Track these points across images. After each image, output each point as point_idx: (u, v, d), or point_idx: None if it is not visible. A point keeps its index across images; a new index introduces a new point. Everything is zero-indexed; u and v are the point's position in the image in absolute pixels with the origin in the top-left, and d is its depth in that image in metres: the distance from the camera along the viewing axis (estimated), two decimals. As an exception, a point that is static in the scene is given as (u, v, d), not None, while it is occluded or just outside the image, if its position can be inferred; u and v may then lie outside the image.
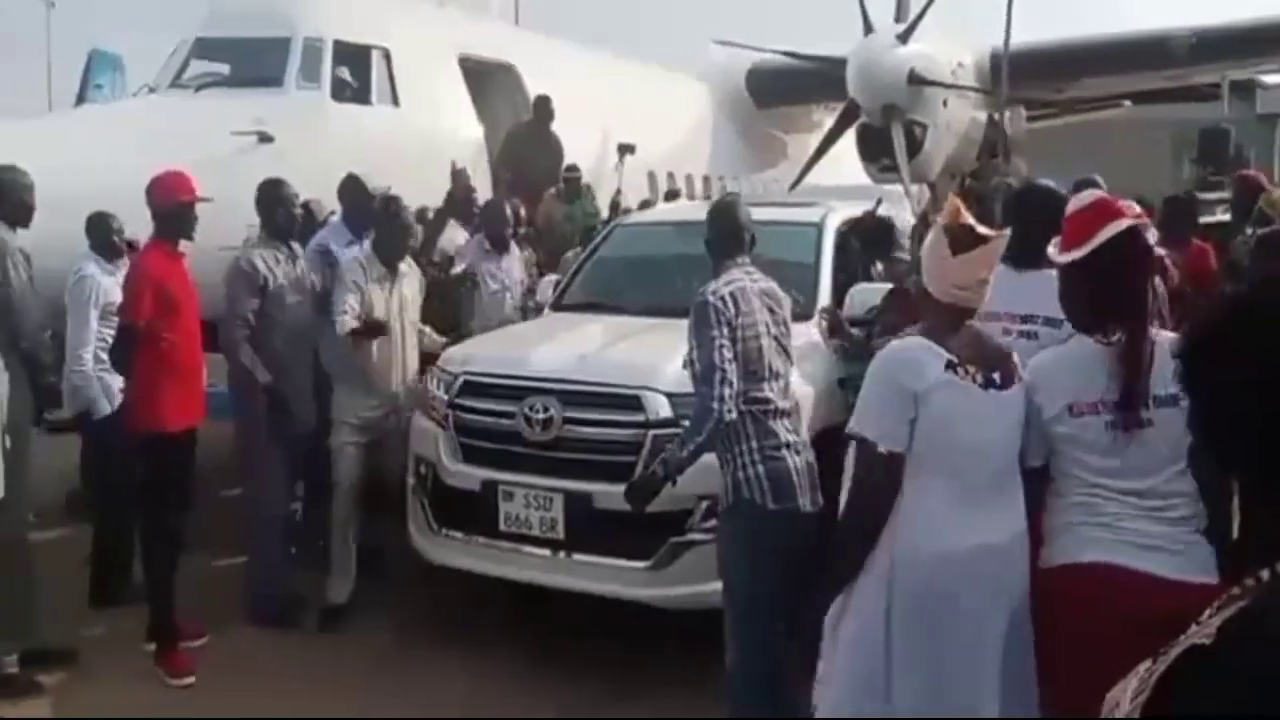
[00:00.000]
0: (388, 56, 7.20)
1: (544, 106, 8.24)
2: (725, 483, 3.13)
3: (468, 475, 4.13)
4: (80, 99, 11.21)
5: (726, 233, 3.38)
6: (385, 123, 7.03)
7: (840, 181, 10.41)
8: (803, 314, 4.47)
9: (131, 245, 4.72)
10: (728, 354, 3.06)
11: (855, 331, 4.24)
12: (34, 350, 3.83)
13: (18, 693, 3.79)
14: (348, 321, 4.48)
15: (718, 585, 3.23)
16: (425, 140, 7.05)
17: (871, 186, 9.26)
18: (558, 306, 5.21)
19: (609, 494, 3.66)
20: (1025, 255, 2.86)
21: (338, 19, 7.03)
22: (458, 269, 5.63)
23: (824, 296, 4.71)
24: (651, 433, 3.75)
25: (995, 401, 2.34)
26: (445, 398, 4.25)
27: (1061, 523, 2.33)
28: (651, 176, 9.97)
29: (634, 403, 3.84)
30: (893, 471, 2.30)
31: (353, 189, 5.25)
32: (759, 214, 4.21)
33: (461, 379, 4.24)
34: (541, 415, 3.94)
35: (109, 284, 4.63)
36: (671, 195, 9.39)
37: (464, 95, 7.98)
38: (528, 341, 4.63)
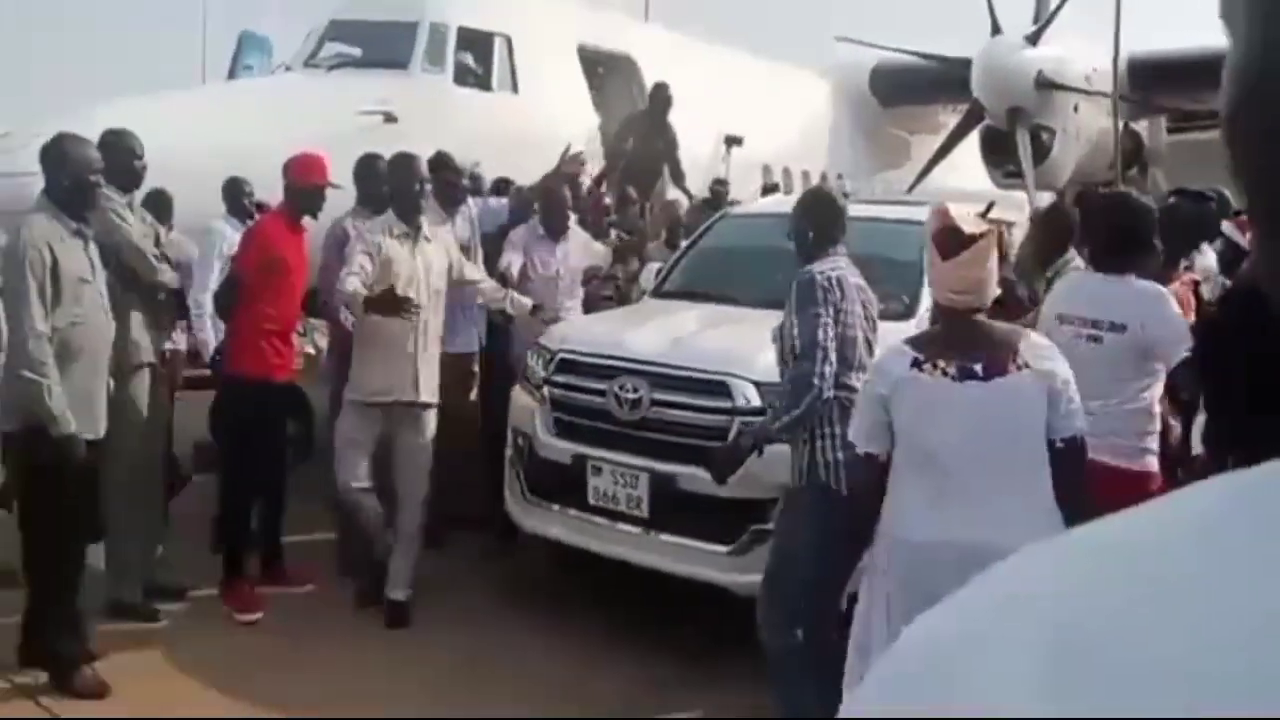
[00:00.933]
0: (509, 44, 7.40)
1: (661, 94, 8.16)
2: (799, 463, 3.14)
3: (560, 449, 4.25)
4: (230, 78, 11.78)
5: (828, 221, 3.39)
6: (504, 108, 7.22)
7: (961, 186, 10.16)
8: (905, 314, 4.43)
9: (261, 207, 5.04)
10: (831, 332, 3.09)
11: None
12: (154, 284, 4.03)
13: (139, 619, 4.14)
14: (354, 281, 4.10)
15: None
16: (542, 127, 7.21)
17: (998, 192, 9.00)
18: (658, 293, 5.29)
19: (693, 477, 3.72)
20: (1110, 261, 2.84)
21: (463, 6, 7.26)
22: (507, 258, 5.30)
23: (928, 296, 4.63)
24: (738, 420, 3.78)
25: (972, 392, 2.34)
26: (543, 374, 4.38)
27: None
28: (766, 170, 9.91)
29: (721, 389, 3.88)
30: (872, 471, 2.50)
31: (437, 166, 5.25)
32: (865, 210, 4.17)
33: (558, 356, 4.37)
34: (631, 395, 4.02)
35: (236, 239, 4.92)
36: (768, 189, 9.08)
37: (581, 84, 8.12)
38: (624, 324, 4.72)
